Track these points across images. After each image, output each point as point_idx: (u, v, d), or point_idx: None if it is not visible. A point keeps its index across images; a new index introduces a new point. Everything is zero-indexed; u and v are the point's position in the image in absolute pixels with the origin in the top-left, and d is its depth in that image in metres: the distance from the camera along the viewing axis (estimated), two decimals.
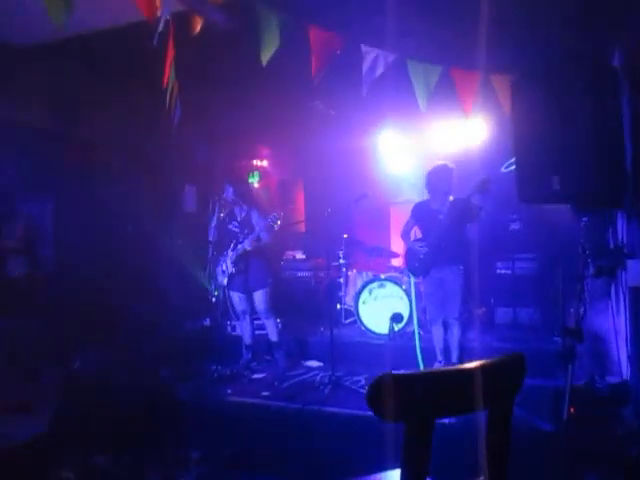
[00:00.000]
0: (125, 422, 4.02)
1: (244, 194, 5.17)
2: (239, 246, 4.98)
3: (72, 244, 5.22)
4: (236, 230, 5.06)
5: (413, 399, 1.20)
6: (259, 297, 5.07)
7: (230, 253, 5.04)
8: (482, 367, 1.30)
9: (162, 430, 4.15)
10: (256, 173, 8.17)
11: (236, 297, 5.15)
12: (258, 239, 4.93)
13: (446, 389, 1.25)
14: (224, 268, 5.07)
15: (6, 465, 3.29)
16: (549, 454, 3.09)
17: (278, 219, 4.79)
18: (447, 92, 4.21)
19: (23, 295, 4.88)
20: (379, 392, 1.19)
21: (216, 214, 5.00)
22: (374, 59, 3.84)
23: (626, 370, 3.47)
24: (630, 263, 2.91)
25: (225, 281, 5.09)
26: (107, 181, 5.63)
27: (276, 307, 5.25)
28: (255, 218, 5.05)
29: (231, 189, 5.04)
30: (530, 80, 3.29)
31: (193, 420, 4.27)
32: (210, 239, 5.07)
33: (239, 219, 5.10)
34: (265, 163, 8.24)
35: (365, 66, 3.86)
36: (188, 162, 6.61)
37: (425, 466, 1.24)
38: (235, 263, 5.00)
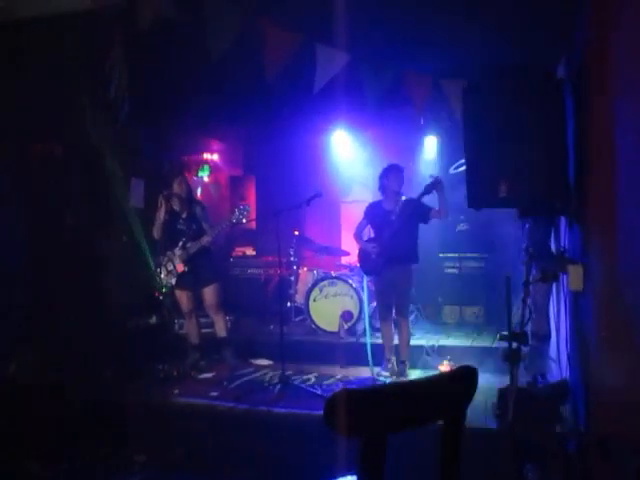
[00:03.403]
0: (64, 424, 3.89)
1: (189, 190, 5.09)
2: (188, 244, 4.89)
3: (6, 241, 4.98)
4: (183, 228, 4.96)
5: (367, 415, 1.20)
6: (209, 292, 4.99)
7: (179, 252, 4.94)
8: (435, 381, 1.32)
9: (105, 432, 4.04)
10: (206, 167, 8.02)
11: (183, 296, 5.05)
12: (208, 236, 4.86)
13: (399, 405, 1.26)
14: (170, 268, 4.96)
15: None
16: (493, 452, 3.19)
17: (246, 211, 4.76)
18: (399, 93, 4.26)
19: None
20: (334, 408, 1.19)
21: (162, 210, 4.87)
22: (328, 59, 3.83)
23: (565, 370, 3.62)
24: (571, 268, 3.02)
25: (173, 280, 4.98)
26: (44, 173, 5.40)
27: (225, 303, 5.19)
28: (200, 214, 4.98)
29: (183, 184, 4.95)
30: (479, 87, 3.36)
31: (138, 421, 4.18)
32: (156, 237, 4.96)
33: (184, 216, 5.00)
34: (216, 157, 8.10)
35: (319, 65, 3.85)
36: (134, 155, 6.42)
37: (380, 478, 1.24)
38: (186, 262, 4.91)
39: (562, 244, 3.65)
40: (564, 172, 3.21)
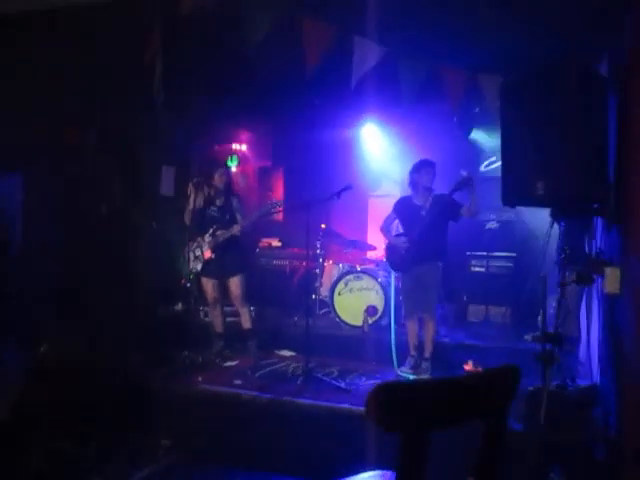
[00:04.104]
0: (92, 407, 3.95)
1: (229, 183, 5.12)
2: (219, 232, 4.92)
3: (41, 226, 5.07)
4: (216, 215, 4.99)
5: (409, 410, 1.18)
6: (235, 283, 5.01)
7: (208, 239, 4.97)
8: (478, 379, 1.30)
9: (130, 416, 4.09)
10: (234, 157, 8.05)
11: (209, 284, 5.07)
12: (239, 226, 4.88)
13: (442, 401, 1.24)
14: (198, 254, 4.99)
15: None
16: (517, 453, 3.15)
17: (278, 205, 4.77)
18: (434, 89, 4.21)
19: None
20: (376, 401, 1.17)
21: (192, 198, 4.90)
22: (365, 52, 3.79)
23: (596, 374, 3.56)
24: (608, 270, 2.96)
25: (199, 267, 5.01)
26: (79, 160, 5.47)
27: (250, 294, 5.21)
28: (235, 206, 5.00)
29: (224, 177, 4.98)
30: (519, 83, 3.30)
31: (163, 407, 4.22)
32: (187, 223, 4.99)
33: (219, 204, 5.02)
34: (244, 148, 8.13)
35: (356, 59, 3.81)
36: (165, 144, 6.47)
37: (421, 476, 1.23)
38: (214, 249, 4.94)
39: (598, 246, 3.58)
40: (603, 172, 3.15)
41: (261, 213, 4.97)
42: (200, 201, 4.95)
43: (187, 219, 5.01)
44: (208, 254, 4.97)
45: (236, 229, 4.87)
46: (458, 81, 4.03)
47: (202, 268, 5.01)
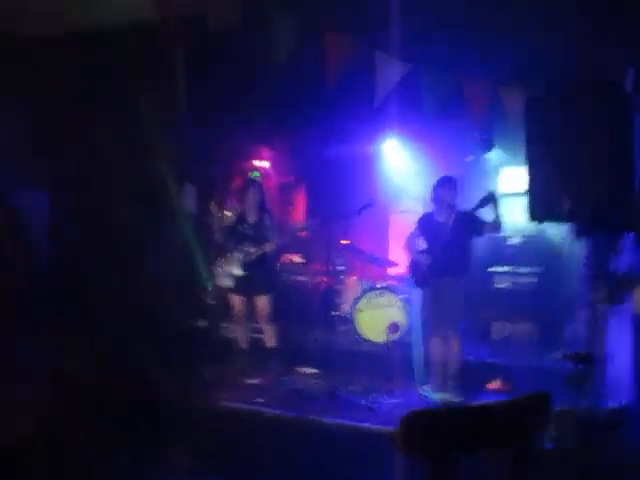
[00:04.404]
0: (109, 421, 3.95)
1: (262, 200, 5.14)
2: (250, 249, 4.93)
3: (66, 241, 5.14)
4: (247, 232, 5.00)
5: (441, 436, 1.16)
6: (263, 302, 5.02)
7: (239, 255, 4.98)
8: (509, 405, 1.26)
9: (149, 431, 4.08)
10: (256, 172, 8.09)
11: (237, 300, 5.08)
12: (272, 243, 4.90)
13: (472, 428, 1.21)
14: (227, 270, 4.99)
15: None
16: (545, 473, 3.07)
17: (308, 227, 4.78)
18: (456, 103, 4.20)
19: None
20: (408, 428, 1.15)
21: (219, 214, 4.94)
22: (388, 68, 3.80)
23: (626, 395, 3.45)
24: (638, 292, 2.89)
25: (228, 282, 5.02)
26: (103, 174, 5.55)
27: (276, 313, 5.20)
28: (268, 223, 5.02)
29: (257, 194, 5.02)
30: (543, 98, 3.27)
31: (182, 423, 4.20)
32: (217, 239, 5.02)
33: (250, 221, 5.04)
34: (266, 164, 8.17)
35: (378, 75, 3.82)
36: (187, 159, 6.55)
37: None
38: (245, 266, 4.95)
39: (627, 263, 3.50)
40: (630, 188, 3.10)
41: (295, 232, 4.98)
42: (231, 217, 4.97)
43: (217, 235, 5.03)
44: (238, 271, 4.97)
45: (269, 247, 4.88)
46: (481, 95, 4.02)
47: (231, 285, 5.01)
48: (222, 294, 5.22)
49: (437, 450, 1.15)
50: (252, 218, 5.03)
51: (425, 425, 1.13)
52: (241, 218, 5.04)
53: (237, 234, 5.01)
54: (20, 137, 5.01)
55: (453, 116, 4.52)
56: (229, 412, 4.26)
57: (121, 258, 5.33)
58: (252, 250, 4.92)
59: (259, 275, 4.98)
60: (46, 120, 5.18)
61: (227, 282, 5.00)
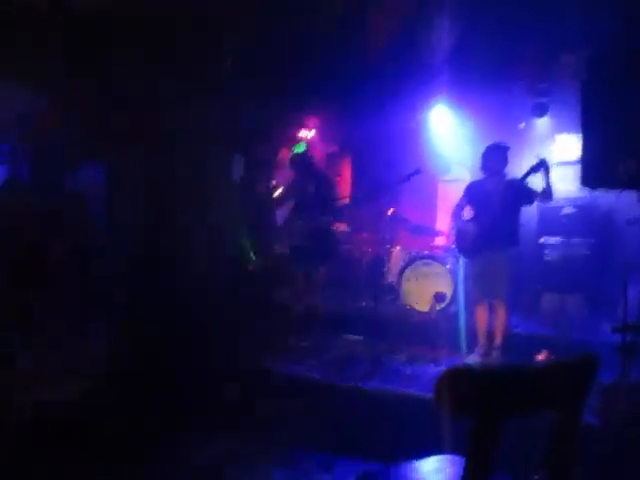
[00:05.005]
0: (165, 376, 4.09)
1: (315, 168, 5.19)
2: (309, 220, 4.97)
3: (122, 210, 5.30)
4: (307, 203, 5.04)
5: (482, 396, 1.16)
6: (320, 272, 5.12)
7: (299, 224, 5.03)
8: (554, 366, 1.25)
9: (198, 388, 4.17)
10: (302, 144, 8.09)
11: (296, 269, 5.17)
12: (333, 214, 4.96)
13: (516, 388, 1.21)
14: (287, 240, 5.09)
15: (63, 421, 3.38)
16: (594, 449, 3.02)
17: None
18: (509, 67, 4.06)
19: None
20: (448, 387, 1.15)
21: (274, 187, 5.02)
22: (439, 32, 3.69)
23: None
24: None
25: (288, 252, 5.11)
26: (159, 145, 5.65)
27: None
28: (325, 192, 5.05)
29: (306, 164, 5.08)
30: (606, 58, 3.11)
31: (229, 383, 4.28)
32: (278, 212, 5.10)
33: (309, 191, 5.08)
34: (312, 134, 8.13)
35: (429, 41, 3.72)
36: (235, 130, 6.58)
37: (490, 463, 1.20)
38: (305, 236, 5.00)
39: None
40: None
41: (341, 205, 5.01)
42: (285, 190, 5.04)
43: (273, 207, 5.12)
44: (298, 241, 5.04)
45: (327, 218, 4.92)
46: (535, 58, 3.86)
47: (290, 254, 5.09)
48: (278, 263, 5.30)
49: (476, 409, 1.15)
50: (311, 188, 5.07)
51: (461, 382, 1.13)
52: (300, 189, 5.09)
53: (297, 206, 5.10)
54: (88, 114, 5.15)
55: (505, 80, 4.38)
56: (271, 374, 4.35)
57: (180, 225, 5.45)
58: (309, 221, 4.97)
59: (317, 245, 5.02)
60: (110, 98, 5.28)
61: (286, 251, 5.08)
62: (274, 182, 5.24)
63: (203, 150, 5.77)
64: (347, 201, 5.83)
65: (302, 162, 5.12)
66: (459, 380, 1.14)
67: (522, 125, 5.83)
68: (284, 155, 7.35)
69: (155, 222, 5.37)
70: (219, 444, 3.73)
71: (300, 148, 8.02)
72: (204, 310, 5.16)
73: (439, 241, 6.59)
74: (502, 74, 4.08)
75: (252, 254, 5.65)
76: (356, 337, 5.36)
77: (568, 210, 6.10)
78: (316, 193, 5.05)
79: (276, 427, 3.94)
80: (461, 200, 4.83)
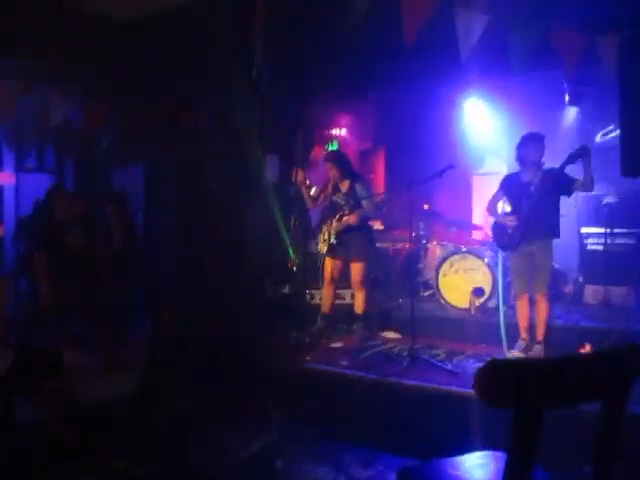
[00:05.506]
0: (207, 371, 4.16)
1: (350, 166, 5.20)
2: (344, 218, 5.00)
3: (159, 210, 5.42)
4: (341, 202, 5.08)
5: (525, 387, 1.14)
6: (357, 268, 5.09)
7: (334, 224, 5.06)
8: (598, 356, 1.22)
9: (242, 383, 4.24)
10: (335, 142, 8.09)
11: (331, 264, 5.18)
12: (364, 210, 4.97)
13: (560, 379, 1.18)
14: (325, 237, 5.12)
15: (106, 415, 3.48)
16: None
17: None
18: (545, 54, 3.95)
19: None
20: (489, 377, 1.14)
21: (309, 184, 5.07)
22: (470, 22, 3.63)
23: None
24: None
25: (324, 249, 5.14)
26: (191, 144, 5.75)
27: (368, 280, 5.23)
28: (359, 190, 5.05)
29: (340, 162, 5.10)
30: None
31: (271, 380, 4.34)
32: (309, 207, 5.14)
33: (343, 191, 5.10)
34: (344, 132, 8.13)
35: (460, 30, 3.65)
36: (270, 128, 6.63)
37: (533, 455, 1.19)
38: (339, 234, 5.03)
39: None
40: None
41: (377, 202, 5.04)
42: (319, 187, 5.13)
43: (309, 205, 5.25)
44: (334, 238, 5.08)
45: (361, 214, 4.95)
46: (571, 44, 3.75)
47: (327, 250, 5.14)
48: (314, 261, 5.34)
49: (517, 400, 1.13)
50: (345, 187, 5.09)
51: (503, 373, 1.11)
52: (335, 188, 5.12)
53: (331, 203, 5.13)
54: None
55: (540, 68, 4.27)
56: (313, 373, 4.37)
57: (215, 224, 5.55)
58: (345, 218, 4.99)
59: (356, 241, 5.03)
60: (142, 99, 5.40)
61: (324, 248, 5.11)
62: (308, 181, 5.25)
63: (238, 150, 5.84)
64: (381, 198, 5.78)
65: (336, 160, 5.11)
66: (501, 370, 1.13)
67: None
68: (317, 154, 7.38)
69: (191, 222, 5.49)
70: (266, 439, 3.78)
71: (333, 146, 8.05)
72: (243, 310, 5.24)
73: (476, 235, 6.50)
74: (536, 62, 3.96)
75: (291, 252, 5.70)
76: (394, 334, 5.34)
77: (610, 199, 5.94)
78: (350, 191, 5.05)
79: (319, 423, 3.97)
80: (497, 193, 4.75)
